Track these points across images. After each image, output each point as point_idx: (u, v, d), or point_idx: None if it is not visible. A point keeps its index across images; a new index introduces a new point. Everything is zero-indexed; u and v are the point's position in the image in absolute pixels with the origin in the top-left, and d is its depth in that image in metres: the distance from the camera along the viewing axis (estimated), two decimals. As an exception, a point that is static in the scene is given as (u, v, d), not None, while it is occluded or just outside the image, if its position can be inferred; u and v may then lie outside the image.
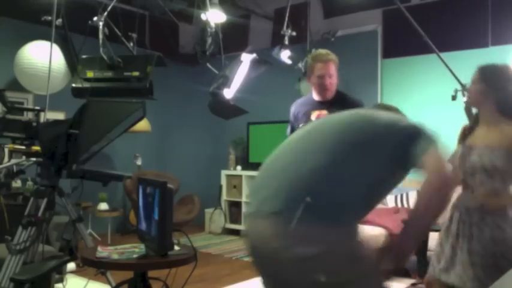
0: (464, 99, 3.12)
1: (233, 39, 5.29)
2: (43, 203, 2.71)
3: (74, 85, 3.05)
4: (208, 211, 7.19)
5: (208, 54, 3.99)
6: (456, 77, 3.25)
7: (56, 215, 2.96)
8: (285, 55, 4.93)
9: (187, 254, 2.42)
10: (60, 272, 3.49)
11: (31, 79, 5.30)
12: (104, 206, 6.26)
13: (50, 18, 3.04)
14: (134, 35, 3.83)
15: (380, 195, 1.69)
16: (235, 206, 7.06)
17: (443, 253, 2.36)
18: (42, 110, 2.99)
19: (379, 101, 5.97)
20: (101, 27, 3.08)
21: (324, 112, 3.12)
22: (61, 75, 5.15)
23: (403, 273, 4.22)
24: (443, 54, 3.81)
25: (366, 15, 6.10)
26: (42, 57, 5.07)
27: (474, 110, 2.51)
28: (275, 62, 4.64)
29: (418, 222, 1.57)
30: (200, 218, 6.88)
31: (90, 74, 3.01)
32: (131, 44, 3.60)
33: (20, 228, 2.65)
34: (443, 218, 2.42)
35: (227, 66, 3.66)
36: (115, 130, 2.76)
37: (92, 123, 2.74)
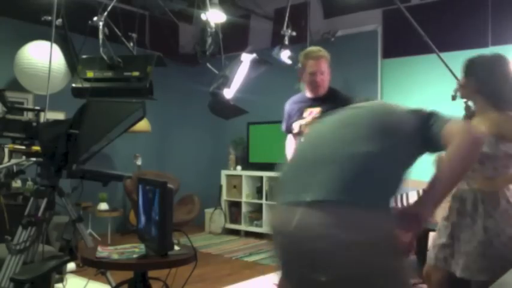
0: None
1: (233, 39, 5.29)
2: (43, 203, 2.71)
3: (74, 85, 3.05)
4: (208, 211, 7.19)
5: (208, 54, 3.99)
6: (456, 77, 3.24)
7: (56, 215, 2.96)
8: (285, 55, 4.93)
9: (187, 254, 2.42)
10: (60, 272, 3.49)
11: (31, 79, 5.30)
12: (104, 206, 6.26)
13: (50, 18, 3.04)
14: (134, 35, 3.83)
15: (403, 180, 1.70)
16: (235, 206, 7.06)
17: (442, 244, 2.38)
18: (42, 110, 2.99)
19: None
20: (101, 27, 3.08)
21: (317, 109, 3.14)
22: (61, 75, 5.15)
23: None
24: (443, 54, 3.81)
25: (366, 15, 6.10)
26: (42, 57, 5.07)
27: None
28: (275, 62, 4.64)
29: (448, 179, 1.59)
30: (200, 218, 6.88)
31: (90, 74, 3.01)
32: (131, 44, 3.60)
33: (20, 228, 2.65)
34: (444, 210, 2.45)
35: (227, 66, 3.66)
36: (115, 130, 2.76)
37: (92, 123, 2.74)
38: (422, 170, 1.93)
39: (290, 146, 3.40)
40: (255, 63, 3.73)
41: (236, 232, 6.94)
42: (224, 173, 7.15)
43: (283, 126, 3.42)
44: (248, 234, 6.79)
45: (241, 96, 3.73)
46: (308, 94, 3.26)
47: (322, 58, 3.12)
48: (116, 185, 6.70)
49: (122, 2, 5.00)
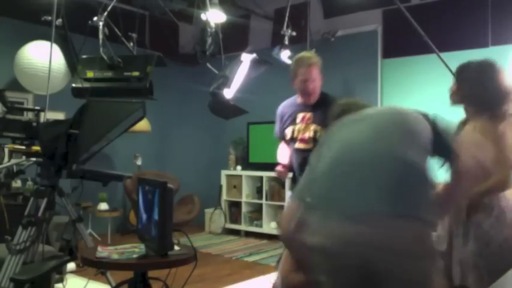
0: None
1: (233, 39, 5.29)
2: (43, 203, 2.71)
3: (74, 85, 3.05)
4: (208, 211, 7.19)
5: (208, 54, 3.99)
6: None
7: (56, 215, 2.96)
8: (285, 55, 4.93)
9: (187, 254, 2.42)
10: (60, 272, 3.49)
11: (31, 79, 5.30)
12: (104, 206, 6.26)
13: (50, 18, 3.04)
14: (134, 35, 3.82)
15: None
16: (235, 206, 7.05)
17: (442, 253, 2.38)
18: (42, 110, 2.99)
19: (379, 101, 5.98)
20: (101, 27, 3.08)
21: (309, 115, 3.14)
22: (61, 75, 5.15)
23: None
24: (443, 54, 3.81)
25: (366, 15, 6.10)
26: (42, 57, 5.07)
27: None
28: (275, 62, 4.64)
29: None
30: (200, 218, 6.88)
31: (90, 74, 3.01)
32: (131, 44, 3.59)
33: (20, 228, 2.65)
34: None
35: (227, 66, 3.67)
36: (115, 130, 2.76)
37: (92, 123, 2.74)
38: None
39: (282, 153, 3.39)
40: (255, 63, 3.73)
41: (236, 232, 6.94)
42: (224, 173, 7.15)
43: (276, 131, 3.41)
44: (248, 234, 6.79)
45: (241, 96, 3.73)
46: (299, 100, 3.26)
47: (313, 65, 3.11)
48: (116, 185, 6.70)
49: (122, 2, 5.00)
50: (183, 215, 6.05)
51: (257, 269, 4.88)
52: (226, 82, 3.56)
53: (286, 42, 5.05)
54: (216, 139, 7.64)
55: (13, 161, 3.32)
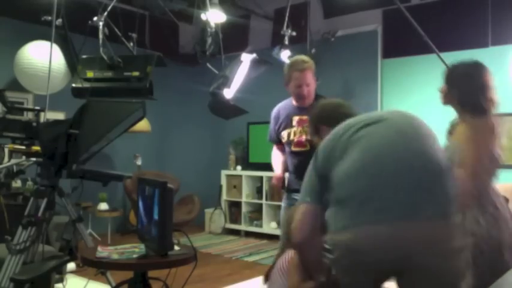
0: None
1: (233, 39, 5.29)
2: (43, 203, 2.71)
3: (74, 85, 3.05)
4: (208, 211, 7.19)
5: (208, 54, 4.00)
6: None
7: (56, 215, 2.96)
8: (285, 55, 4.93)
9: (187, 254, 2.42)
10: (60, 272, 3.49)
11: (31, 79, 5.29)
12: (104, 206, 6.26)
13: (50, 18, 3.03)
14: (134, 35, 3.82)
15: None
16: (235, 206, 7.05)
17: None
18: (42, 110, 2.99)
19: (379, 101, 5.98)
20: (101, 27, 3.08)
21: (305, 117, 3.13)
22: (61, 75, 5.14)
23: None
24: (443, 54, 3.81)
25: (366, 15, 6.10)
26: (42, 57, 5.07)
27: None
28: (275, 62, 4.64)
29: None
30: (200, 218, 6.88)
31: (90, 74, 3.01)
32: (131, 44, 3.59)
33: (20, 228, 2.65)
34: None
35: (227, 66, 3.67)
36: (115, 130, 2.76)
37: (92, 123, 2.74)
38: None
39: (276, 161, 3.39)
40: (255, 63, 3.73)
41: (236, 232, 6.94)
42: (224, 173, 7.15)
43: (270, 133, 3.39)
44: (248, 234, 6.79)
45: (241, 96, 3.73)
46: (294, 103, 3.25)
47: (307, 70, 3.08)
48: (116, 185, 6.70)
49: (122, 2, 5.00)
50: (183, 215, 6.05)
51: (257, 269, 4.88)
52: (226, 82, 3.56)
53: (286, 42, 5.05)
54: (216, 139, 7.64)
55: (13, 161, 3.32)
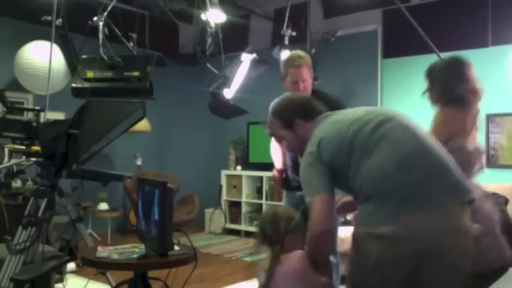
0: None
1: (233, 39, 5.29)
2: (43, 203, 2.71)
3: (74, 85, 3.05)
4: (208, 211, 7.19)
5: (208, 54, 3.99)
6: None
7: (56, 215, 2.95)
8: (285, 55, 4.92)
9: (187, 254, 2.42)
10: (60, 272, 3.49)
11: (31, 79, 5.30)
12: (104, 206, 6.26)
13: (50, 18, 3.03)
14: (134, 35, 3.82)
15: None
16: (235, 206, 7.05)
17: None
18: (42, 110, 2.99)
19: (379, 101, 5.98)
20: (101, 27, 3.08)
21: None
22: (61, 75, 5.14)
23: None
24: (443, 54, 3.81)
25: (365, 15, 6.10)
26: (42, 57, 5.07)
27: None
28: (275, 62, 4.63)
29: None
30: (200, 218, 6.88)
31: (90, 74, 3.01)
32: (131, 44, 3.59)
33: (20, 228, 2.65)
34: None
35: (227, 66, 3.67)
36: (115, 130, 2.76)
37: (92, 123, 2.74)
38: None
39: (275, 153, 3.37)
40: (255, 63, 3.73)
41: (236, 232, 6.94)
42: (224, 173, 7.15)
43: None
44: (248, 234, 6.79)
45: (241, 96, 3.73)
46: None
47: (302, 66, 3.03)
48: (116, 185, 6.70)
49: (122, 2, 5.00)
50: (183, 215, 6.05)
51: (257, 269, 4.87)
52: (226, 82, 3.56)
53: (286, 42, 5.05)
54: (216, 139, 7.64)
55: (13, 161, 3.32)
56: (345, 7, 6.14)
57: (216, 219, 7.10)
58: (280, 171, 3.27)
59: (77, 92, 3.02)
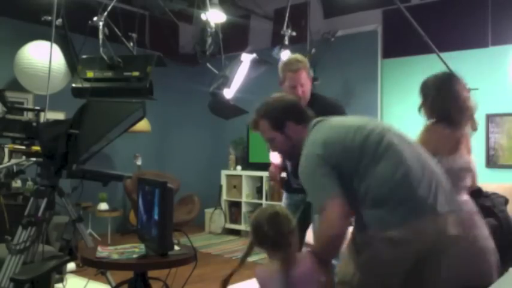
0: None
1: (233, 39, 5.29)
2: (43, 203, 2.71)
3: (74, 85, 3.05)
4: (208, 211, 7.19)
5: (208, 54, 3.99)
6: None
7: (56, 215, 2.96)
8: (285, 55, 4.93)
9: (187, 254, 2.42)
10: (60, 272, 3.49)
11: (31, 79, 5.29)
12: (104, 206, 6.26)
13: (50, 18, 3.03)
14: (134, 35, 3.82)
15: None
16: (235, 206, 7.05)
17: None
18: (42, 110, 2.99)
19: (379, 101, 5.98)
20: (101, 27, 3.08)
21: None
22: (61, 75, 5.14)
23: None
24: (443, 54, 3.81)
25: (365, 15, 6.10)
26: (42, 57, 5.07)
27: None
28: (275, 62, 4.64)
29: None
30: (200, 218, 6.88)
31: (90, 74, 3.01)
32: (131, 44, 3.59)
33: (20, 228, 2.65)
34: None
35: (227, 66, 3.67)
36: (115, 130, 2.76)
37: (92, 123, 2.74)
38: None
39: (274, 157, 3.36)
40: (255, 63, 3.73)
41: (236, 232, 6.94)
42: (224, 173, 7.15)
43: None
44: (248, 234, 6.78)
45: (241, 96, 3.73)
46: None
47: (301, 70, 3.00)
48: (116, 185, 6.70)
49: (122, 2, 5.00)
50: (183, 215, 6.05)
51: (257, 272, 4.87)
52: (226, 82, 3.56)
53: (286, 42, 5.05)
54: (216, 139, 7.64)
55: (13, 161, 3.32)
56: (345, 7, 6.14)
57: (216, 219, 7.10)
58: (277, 166, 3.24)
59: (77, 92, 3.02)
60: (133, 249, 2.50)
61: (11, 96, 4.03)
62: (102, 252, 2.44)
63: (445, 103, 2.37)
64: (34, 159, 2.88)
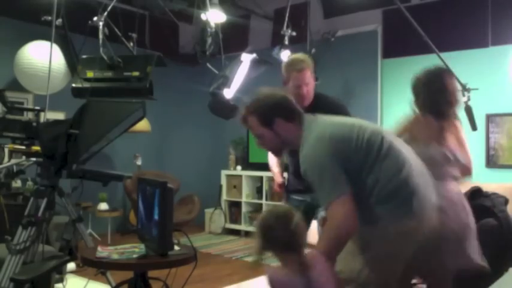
0: (464, 99, 3.14)
1: (233, 39, 5.29)
2: (43, 203, 2.71)
3: (74, 85, 3.05)
4: (208, 211, 7.19)
5: (208, 54, 3.99)
6: (456, 77, 3.25)
7: (56, 215, 2.95)
8: (285, 55, 4.93)
9: (187, 254, 2.42)
10: (60, 272, 3.49)
11: (31, 79, 5.29)
12: (104, 206, 6.26)
13: (50, 18, 3.03)
14: (134, 35, 3.82)
15: None
16: (235, 206, 7.05)
17: None
18: (42, 110, 2.99)
19: (379, 101, 5.98)
20: (101, 27, 3.07)
21: None
22: (61, 75, 5.14)
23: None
24: (443, 54, 3.81)
25: (365, 15, 6.10)
26: (42, 57, 5.07)
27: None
28: (275, 62, 4.64)
29: None
30: (200, 218, 6.88)
31: (90, 74, 3.00)
32: (131, 44, 3.59)
33: (20, 228, 2.65)
34: None
35: (227, 66, 3.67)
36: (115, 130, 2.76)
37: (92, 123, 2.74)
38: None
39: (273, 160, 3.37)
40: (255, 63, 3.73)
41: (236, 232, 6.94)
42: (224, 173, 7.15)
43: None
44: (248, 234, 6.78)
45: (241, 96, 3.72)
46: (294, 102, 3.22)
47: (305, 69, 3.01)
48: (116, 185, 6.70)
49: (122, 2, 5.00)
50: (183, 215, 6.05)
51: (257, 269, 4.87)
52: (226, 82, 3.56)
53: (286, 42, 5.05)
54: (216, 139, 7.63)
55: (13, 161, 3.32)
56: (345, 7, 6.14)
57: (216, 219, 7.10)
58: (282, 185, 3.29)
59: (77, 92, 3.02)
60: (133, 249, 2.50)
61: (11, 96, 4.03)
62: (102, 252, 2.44)
63: (435, 97, 2.42)
64: (34, 159, 2.88)
